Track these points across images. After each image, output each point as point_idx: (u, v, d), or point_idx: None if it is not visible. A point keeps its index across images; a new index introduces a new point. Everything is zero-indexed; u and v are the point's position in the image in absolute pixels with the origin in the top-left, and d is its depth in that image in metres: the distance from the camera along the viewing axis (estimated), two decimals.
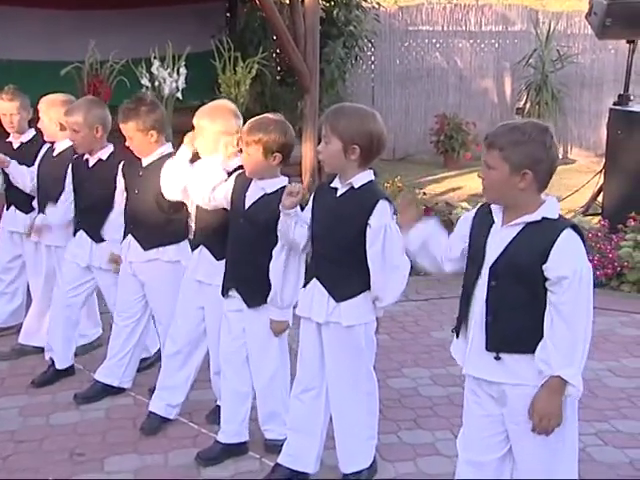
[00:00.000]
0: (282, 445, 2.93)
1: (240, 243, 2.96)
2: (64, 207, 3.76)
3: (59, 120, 3.79)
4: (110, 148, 3.65)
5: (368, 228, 2.61)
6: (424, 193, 7.37)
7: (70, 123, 3.56)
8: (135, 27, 8.25)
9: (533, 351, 2.18)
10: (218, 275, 3.08)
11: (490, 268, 2.22)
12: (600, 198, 6.66)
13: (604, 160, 6.64)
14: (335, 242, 2.69)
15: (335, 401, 2.83)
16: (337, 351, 2.75)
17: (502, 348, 2.22)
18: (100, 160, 3.63)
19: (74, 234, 3.72)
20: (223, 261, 3.07)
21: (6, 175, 4.10)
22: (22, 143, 4.11)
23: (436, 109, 10.48)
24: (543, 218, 2.18)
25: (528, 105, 10.30)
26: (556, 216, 2.21)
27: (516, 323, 2.19)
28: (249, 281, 2.97)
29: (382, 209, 2.62)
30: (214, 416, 3.34)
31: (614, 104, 6.63)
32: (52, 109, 3.83)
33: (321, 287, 2.72)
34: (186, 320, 3.26)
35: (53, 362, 3.81)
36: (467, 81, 11.01)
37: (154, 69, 6.60)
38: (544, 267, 2.13)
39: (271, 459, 3.02)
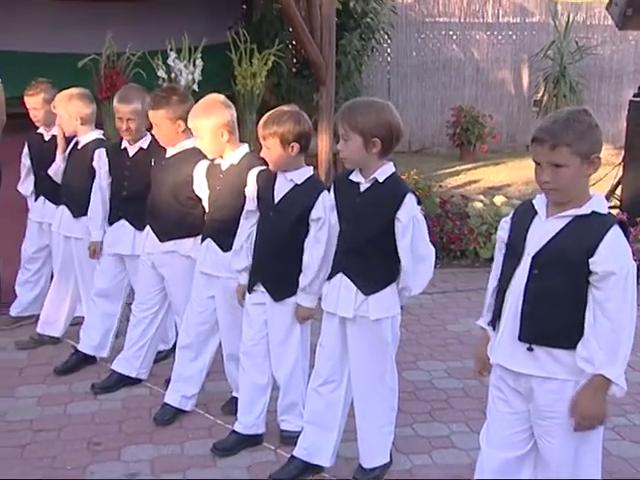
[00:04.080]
0: (298, 437, 2.94)
1: (270, 237, 2.97)
2: (97, 198, 3.77)
3: (79, 114, 3.82)
4: (149, 137, 3.67)
5: (397, 222, 2.62)
6: (440, 186, 7.34)
7: (127, 112, 3.57)
8: (151, 19, 8.27)
9: (567, 346, 2.16)
10: (224, 267, 3.12)
11: (533, 257, 2.20)
12: (619, 191, 6.60)
13: (623, 153, 6.57)
14: (362, 236, 2.69)
15: (359, 396, 2.83)
16: (363, 345, 2.75)
17: (536, 340, 2.20)
18: (141, 149, 3.66)
19: (111, 224, 3.73)
20: (229, 253, 3.10)
21: (36, 166, 4.12)
22: (53, 135, 4.12)
23: (452, 101, 10.42)
24: (593, 212, 2.16)
25: (546, 97, 10.22)
26: (605, 211, 2.19)
27: (554, 315, 2.17)
28: (278, 275, 2.99)
29: (410, 202, 2.63)
30: (229, 407, 3.36)
31: (634, 96, 6.55)
32: (70, 104, 3.84)
33: (348, 281, 2.72)
34: (198, 311, 3.29)
35: (76, 350, 3.83)
36: (484, 73, 10.94)
37: (170, 61, 6.64)
38: (591, 261, 2.11)
39: (286, 451, 3.03)
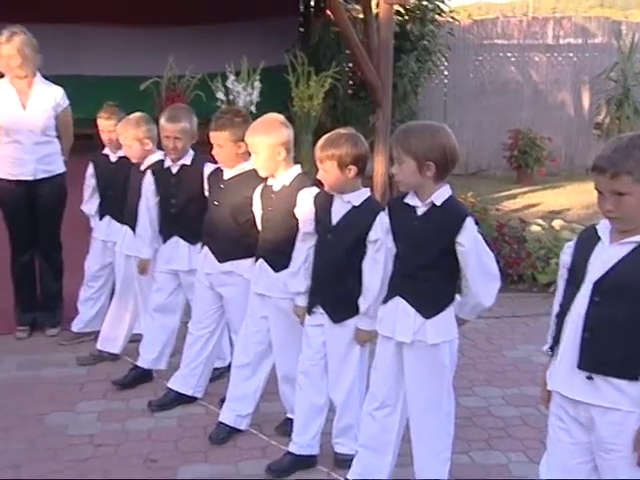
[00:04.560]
0: (352, 460, 2.92)
1: (327, 260, 2.99)
2: (144, 218, 3.85)
3: (147, 137, 3.92)
4: (192, 153, 3.74)
5: (459, 247, 2.60)
6: (497, 209, 7.24)
7: (175, 130, 3.65)
8: (211, 42, 8.45)
9: (629, 377, 2.10)
10: (277, 287, 3.15)
11: (594, 283, 2.16)
12: None
13: None
14: (420, 260, 2.67)
15: (415, 420, 2.80)
16: (420, 370, 2.73)
17: (596, 368, 2.15)
18: (184, 165, 3.73)
19: (164, 241, 3.80)
20: (281, 273, 3.13)
21: (102, 186, 4.24)
22: (119, 157, 4.22)
23: (510, 123, 10.30)
24: None
25: (607, 120, 10.01)
26: None
27: (615, 344, 2.12)
28: (336, 297, 2.99)
29: (469, 226, 2.61)
30: (284, 428, 3.36)
31: None
32: (130, 130, 3.93)
33: (406, 305, 2.70)
34: (253, 331, 3.31)
35: (135, 366, 3.90)
36: (542, 95, 10.80)
37: (229, 83, 6.74)
38: None
39: (340, 473, 3.02)
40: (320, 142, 2.96)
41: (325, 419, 3.13)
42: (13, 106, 4.24)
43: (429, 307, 2.68)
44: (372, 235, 2.88)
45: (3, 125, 4.25)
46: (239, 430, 3.38)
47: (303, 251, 3.08)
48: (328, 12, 7.99)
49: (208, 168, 3.66)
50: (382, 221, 2.85)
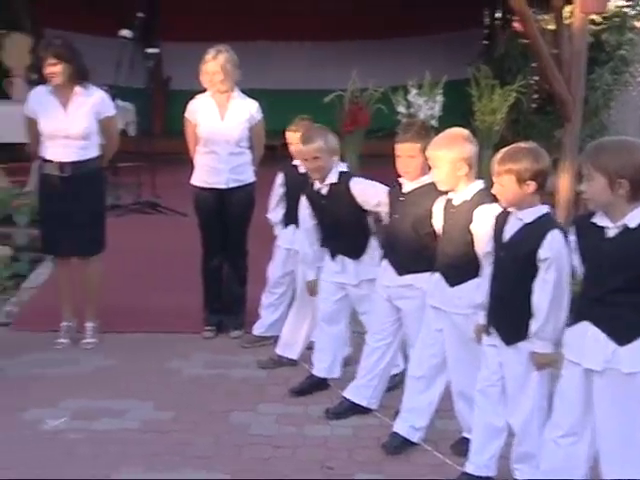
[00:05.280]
0: None
1: (500, 277, 2.92)
2: (305, 241, 3.97)
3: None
4: (338, 171, 3.78)
5: None
6: None
7: (311, 151, 3.75)
8: (394, 56, 8.53)
9: None
10: (452, 302, 3.12)
11: None
12: None
13: None
14: (612, 284, 2.52)
15: (604, 454, 2.64)
16: (612, 401, 2.57)
17: None
18: (332, 185, 3.78)
19: (332, 258, 3.86)
20: (457, 288, 3.11)
21: (289, 196, 4.40)
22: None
23: None
24: None
25: None
26: None
27: None
28: (508, 317, 2.91)
29: None
30: (459, 447, 3.30)
31: None
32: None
33: (596, 330, 2.56)
34: (429, 344, 3.29)
35: (311, 375, 4.00)
36: None
37: (411, 96, 6.74)
38: None
39: None
40: (498, 156, 2.89)
41: (504, 442, 3.02)
42: (212, 118, 4.51)
43: (623, 333, 2.52)
44: (542, 254, 2.76)
45: (202, 136, 4.53)
46: (412, 443, 3.36)
47: (487, 269, 3.02)
48: (515, 24, 7.79)
49: (355, 182, 3.71)
50: (554, 239, 2.74)
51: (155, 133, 8.36)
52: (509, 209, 2.91)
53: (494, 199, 3.02)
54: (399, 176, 3.52)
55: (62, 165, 4.36)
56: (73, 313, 4.61)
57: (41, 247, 4.76)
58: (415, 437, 3.37)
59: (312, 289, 4.00)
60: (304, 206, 3.94)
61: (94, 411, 3.69)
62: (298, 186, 4.35)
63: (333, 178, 3.80)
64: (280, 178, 4.51)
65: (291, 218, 4.42)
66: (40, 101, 4.37)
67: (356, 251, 3.78)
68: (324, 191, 3.82)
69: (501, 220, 2.94)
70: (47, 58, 4.24)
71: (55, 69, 4.24)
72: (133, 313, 4.89)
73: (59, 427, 3.52)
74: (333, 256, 3.86)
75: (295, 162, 4.43)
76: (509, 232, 2.89)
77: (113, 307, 4.74)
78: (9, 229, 5.86)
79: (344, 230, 3.76)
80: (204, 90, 4.57)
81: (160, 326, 4.78)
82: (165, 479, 3.13)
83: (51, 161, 4.38)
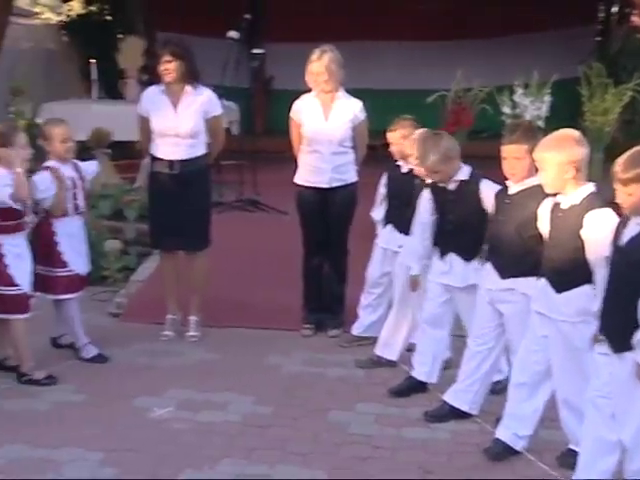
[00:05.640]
0: None
1: (613, 283, 2.81)
2: (418, 233, 3.92)
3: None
4: (468, 169, 3.72)
5: None
6: None
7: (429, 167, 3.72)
8: (501, 55, 8.35)
9: None
10: (558, 309, 3.03)
11: None
12: None
13: None
14: None
15: None
16: None
17: None
18: (462, 182, 3.72)
19: (440, 256, 3.83)
20: (563, 295, 3.02)
21: (390, 195, 4.39)
22: (410, 169, 4.31)
23: None
24: None
25: None
26: None
27: None
28: (616, 324, 2.79)
29: None
30: (565, 459, 3.20)
31: None
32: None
33: None
34: (533, 350, 3.21)
35: (410, 376, 3.97)
36: None
37: (517, 97, 6.59)
38: None
39: None
40: (621, 162, 2.74)
41: (617, 459, 2.89)
42: (317, 118, 4.55)
43: None
44: None
45: (306, 136, 4.58)
46: (515, 451, 3.28)
47: (601, 275, 2.90)
48: (634, 18, 7.46)
49: (485, 184, 3.64)
50: None
51: (257, 132, 8.51)
52: (632, 217, 2.78)
53: (605, 204, 2.91)
54: (505, 178, 3.45)
55: (171, 163, 4.51)
56: (178, 306, 4.76)
57: (149, 241, 4.95)
58: (518, 445, 3.29)
59: (414, 283, 3.95)
60: (426, 199, 3.89)
61: (197, 402, 3.79)
62: (398, 186, 4.36)
63: (463, 175, 3.74)
64: (384, 177, 4.50)
65: (390, 218, 4.41)
66: (152, 100, 4.53)
67: (470, 252, 3.72)
68: (452, 187, 3.76)
69: (620, 225, 2.83)
70: (163, 56, 4.41)
71: (170, 66, 4.40)
72: (234, 308, 5.00)
73: (164, 416, 3.65)
74: (442, 255, 3.81)
75: (398, 162, 4.41)
76: (626, 237, 2.78)
77: (215, 302, 4.87)
78: (120, 223, 6.11)
79: (465, 228, 3.69)
80: (307, 90, 4.62)
81: (260, 322, 4.87)
82: (265, 475, 3.18)
83: (161, 159, 4.54)
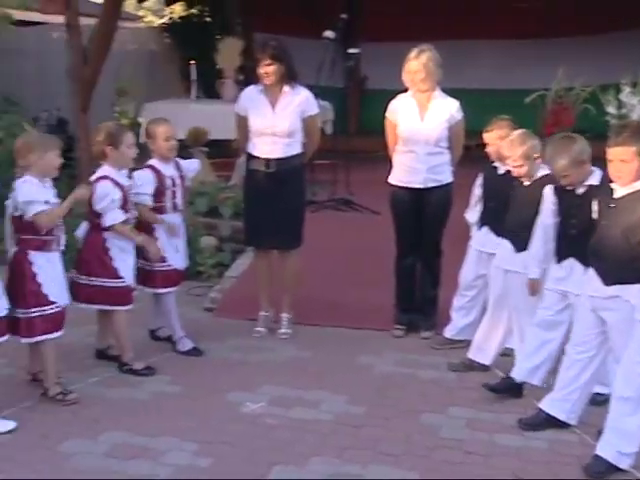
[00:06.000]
0: None
1: None
2: (539, 236, 3.79)
3: (523, 155, 3.89)
4: (599, 173, 3.57)
5: None
6: None
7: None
8: (606, 52, 8.03)
9: None
10: None
11: None
12: None
13: None
14: None
15: None
16: None
17: None
18: (591, 186, 3.57)
19: (559, 261, 3.70)
20: None
21: (486, 197, 4.31)
22: (507, 170, 4.20)
23: None
24: None
25: None
26: None
27: None
28: None
29: None
30: None
31: None
32: (517, 149, 3.92)
33: None
34: (636, 362, 3.09)
35: (508, 377, 3.87)
36: None
37: (623, 96, 6.33)
38: None
39: None
40: None
41: None
42: (412, 118, 4.51)
43: None
44: None
45: (402, 136, 4.55)
46: (619, 469, 3.14)
47: None
48: None
49: None
50: None
51: (350, 131, 8.53)
52: None
53: None
54: (610, 181, 3.32)
55: (268, 161, 4.57)
56: (270, 303, 4.83)
57: (243, 239, 5.03)
58: (623, 464, 3.15)
59: (534, 288, 3.83)
60: (550, 201, 3.76)
61: (289, 399, 3.83)
62: (495, 187, 4.27)
63: (594, 180, 3.60)
64: (480, 178, 4.42)
65: (485, 220, 4.33)
66: (251, 99, 4.61)
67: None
68: (580, 191, 3.64)
69: None
70: (263, 59, 4.47)
71: (269, 69, 4.46)
72: (326, 307, 5.03)
73: (257, 411, 3.70)
74: (560, 260, 3.69)
75: (495, 163, 4.32)
76: None
77: (307, 300, 4.90)
78: (215, 220, 6.25)
79: (586, 233, 3.50)
80: (400, 90, 4.60)
81: (351, 321, 4.88)
82: (357, 475, 3.18)
83: (257, 157, 4.61)
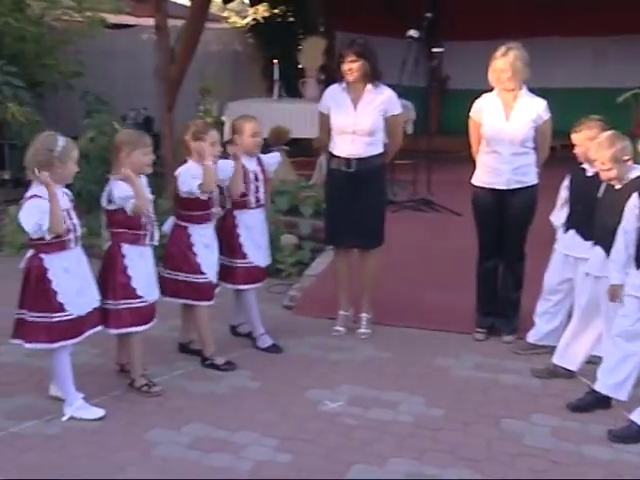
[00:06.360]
0: None
1: None
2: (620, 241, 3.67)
3: (612, 158, 3.73)
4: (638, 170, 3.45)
5: None
6: None
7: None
8: None
9: None
10: None
11: None
12: None
13: None
14: None
15: None
16: None
17: None
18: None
19: (638, 267, 3.56)
20: None
21: (574, 199, 4.18)
22: (595, 172, 4.09)
23: None
24: None
25: None
26: None
27: None
28: None
29: None
30: None
31: None
32: (605, 152, 3.78)
33: None
34: None
35: (592, 390, 3.75)
36: None
37: None
38: None
39: None
40: None
41: None
42: (497, 118, 4.42)
43: None
44: None
45: (486, 136, 4.46)
46: None
47: None
48: None
49: None
50: None
51: (431, 131, 8.44)
52: None
53: None
54: None
55: (348, 161, 4.56)
56: (350, 303, 4.82)
57: (324, 238, 5.04)
58: None
59: (615, 294, 3.70)
60: (634, 205, 3.63)
61: (368, 399, 3.81)
62: (583, 189, 4.13)
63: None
64: (567, 180, 4.29)
65: (572, 222, 4.20)
66: (334, 97, 4.61)
67: None
68: (617, 186, 3.54)
69: None
70: (347, 55, 4.47)
71: (353, 66, 4.45)
72: (405, 308, 4.99)
73: (336, 410, 3.70)
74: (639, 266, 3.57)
75: (584, 165, 4.18)
76: None
77: (386, 300, 4.88)
78: (295, 219, 6.29)
79: None
80: (483, 90, 4.51)
81: (431, 323, 4.82)
82: (436, 475, 3.14)
83: (338, 156, 4.61)
